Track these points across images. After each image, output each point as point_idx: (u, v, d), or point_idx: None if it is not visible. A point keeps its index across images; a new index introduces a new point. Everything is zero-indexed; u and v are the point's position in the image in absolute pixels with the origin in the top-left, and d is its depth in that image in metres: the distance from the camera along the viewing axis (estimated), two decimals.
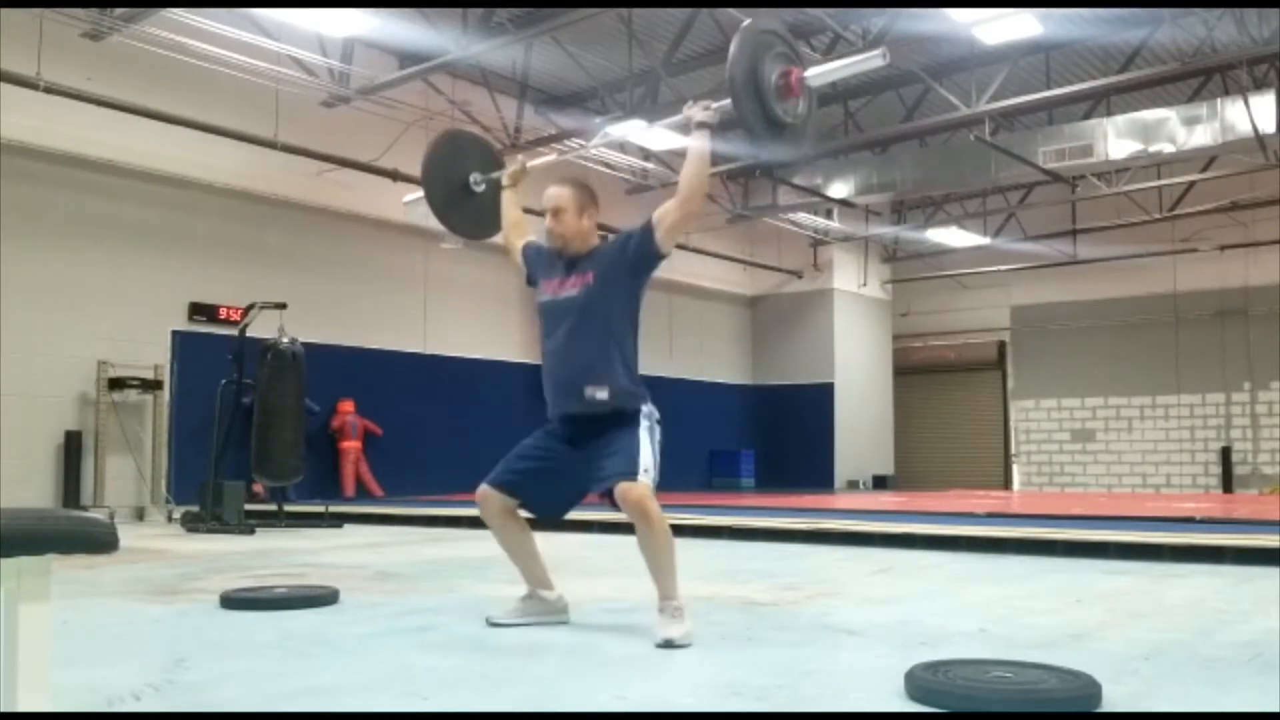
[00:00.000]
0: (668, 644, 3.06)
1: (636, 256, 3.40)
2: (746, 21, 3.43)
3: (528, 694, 2.54)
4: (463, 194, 4.11)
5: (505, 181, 3.97)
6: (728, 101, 3.33)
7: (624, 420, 3.32)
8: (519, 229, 3.86)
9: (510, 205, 3.94)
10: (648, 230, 3.38)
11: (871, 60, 3.38)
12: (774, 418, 18.57)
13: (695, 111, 3.40)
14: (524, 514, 3.55)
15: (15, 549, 1.50)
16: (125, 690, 2.51)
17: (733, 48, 3.31)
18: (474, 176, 4.10)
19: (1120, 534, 6.21)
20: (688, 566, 5.42)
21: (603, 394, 3.31)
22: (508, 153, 13.18)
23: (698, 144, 3.38)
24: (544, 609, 3.50)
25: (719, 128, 3.42)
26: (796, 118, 3.47)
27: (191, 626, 3.62)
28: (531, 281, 3.67)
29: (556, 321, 3.43)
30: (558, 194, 3.49)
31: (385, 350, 12.76)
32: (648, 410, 3.36)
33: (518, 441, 3.55)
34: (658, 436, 3.34)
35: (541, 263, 3.61)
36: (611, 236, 3.55)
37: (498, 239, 4.03)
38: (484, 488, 3.48)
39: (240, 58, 10.33)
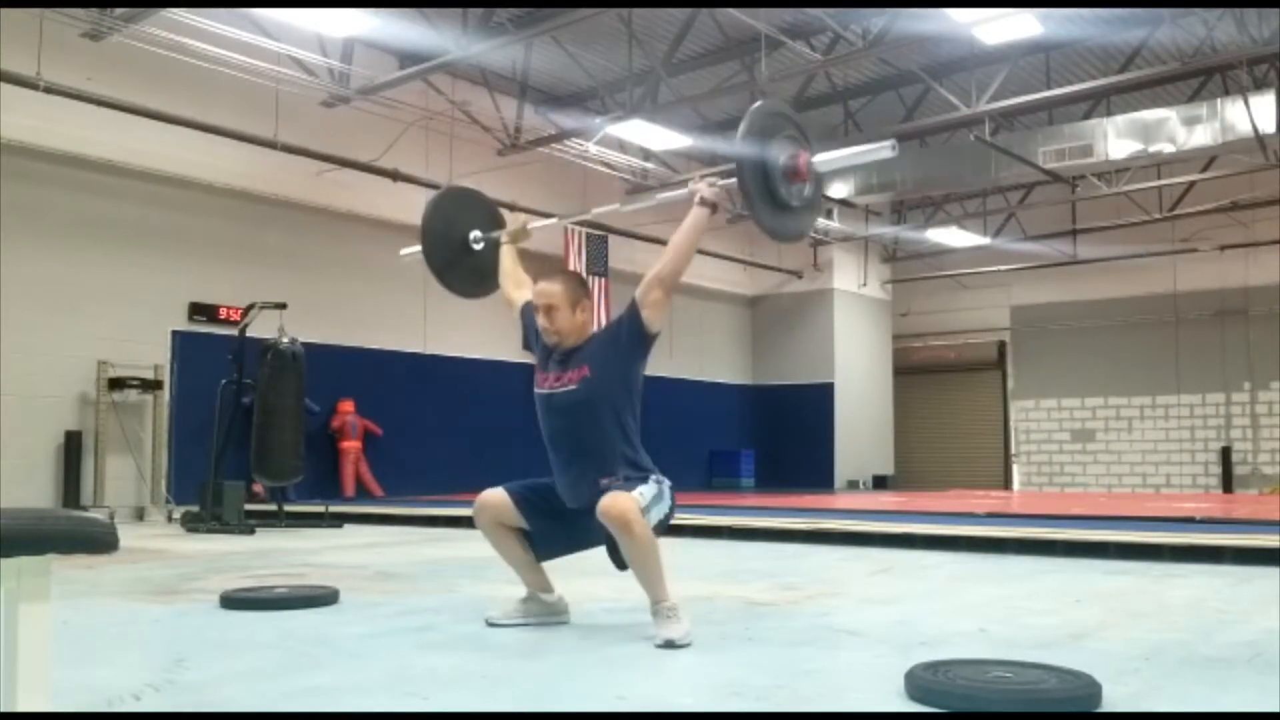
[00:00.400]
0: (669, 644, 3.05)
1: (630, 342, 3.40)
2: (756, 104, 3.45)
3: (528, 694, 2.54)
4: (462, 252, 4.07)
5: (505, 239, 3.95)
6: (734, 180, 3.33)
7: (636, 481, 3.30)
8: (515, 280, 3.84)
9: (509, 259, 3.91)
10: (635, 315, 3.37)
11: (881, 152, 3.38)
12: (774, 418, 18.57)
13: (701, 187, 3.41)
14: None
15: (15, 549, 1.50)
16: (125, 690, 2.51)
17: (741, 128, 3.30)
18: (474, 234, 4.06)
19: (1120, 534, 6.21)
20: (688, 566, 5.43)
21: (618, 481, 3.29)
22: (507, 153, 13.23)
23: (696, 216, 3.39)
24: (543, 610, 3.50)
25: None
26: (803, 201, 3.47)
27: (191, 626, 3.62)
28: (527, 346, 3.67)
29: (558, 416, 3.40)
30: (549, 291, 3.44)
31: (385, 350, 12.76)
32: (658, 477, 3.33)
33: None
34: (666, 498, 3.29)
35: (540, 339, 3.54)
36: (600, 328, 3.52)
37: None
38: (491, 492, 3.47)
39: (240, 58, 10.33)
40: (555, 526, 3.44)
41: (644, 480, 3.28)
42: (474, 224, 4.10)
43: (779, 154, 3.36)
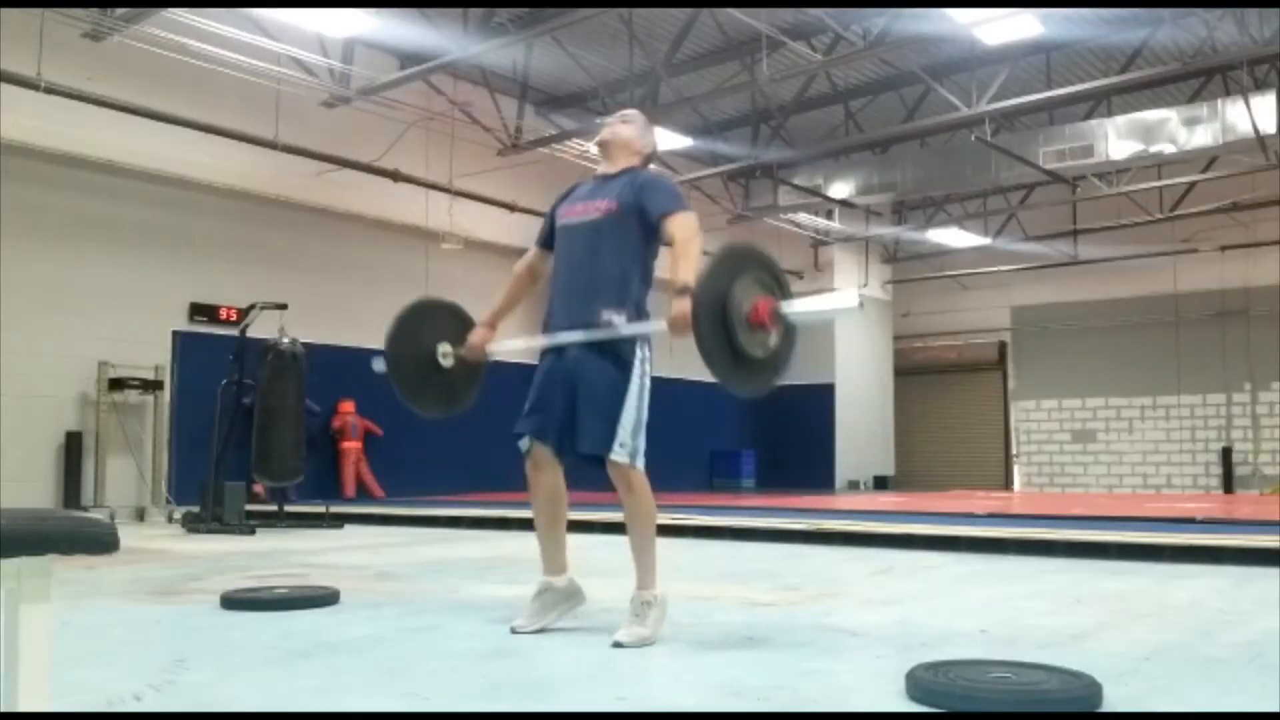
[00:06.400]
0: (617, 645, 3.04)
1: (650, 212, 3.33)
2: (727, 244, 3.22)
3: (528, 694, 2.54)
4: (431, 369, 3.76)
5: (466, 354, 3.71)
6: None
7: (619, 361, 3.27)
8: (530, 268, 3.71)
9: (516, 294, 3.76)
10: (660, 218, 3.31)
11: (848, 307, 3.27)
12: (774, 418, 18.55)
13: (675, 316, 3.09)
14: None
15: (16, 549, 1.50)
16: (126, 690, 2.51)
17: (705, 266, 3.04)
18: (442, 348, 3.75)
19: (1121, 534, 6.21)
20: (689, 566, 5.43)
21: (619, 318, 3.25)
22: (507, 153, 13.22)
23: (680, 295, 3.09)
24: (558, 598, 3.43)
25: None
26: (766, 351, 3.18)
27: (192, 627, 3.62)
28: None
29: (574, 242, 3.40)
30: (631, 112, 3.65)
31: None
32: (642, 356, 3.31)
33: (518, 441, 3.51)
34: (648, 385, 3.30)
35: (562, 203, 3.59)
36: (649, 172, 3.51)
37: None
38: (533, 452, 3.37)
39: (240, 58, 10.33)
40: (563, 422, 3.33)
41: (628, 372, 3.25)
42: (442, 336, 3.76)
43: (743, 298, 3.05)
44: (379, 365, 3.74)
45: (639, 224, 3.36)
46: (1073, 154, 13.00)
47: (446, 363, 3.75)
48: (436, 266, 12.99)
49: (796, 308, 3.18)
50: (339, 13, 9.52)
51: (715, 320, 3.01)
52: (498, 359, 3.74)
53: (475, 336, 3.68)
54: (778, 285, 3.24)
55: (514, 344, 3.82)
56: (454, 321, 3.83)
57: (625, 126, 3.55)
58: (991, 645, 3.18)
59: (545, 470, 3.40)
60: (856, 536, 6.97)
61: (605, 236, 3.34)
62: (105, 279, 10.27)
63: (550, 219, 3.62)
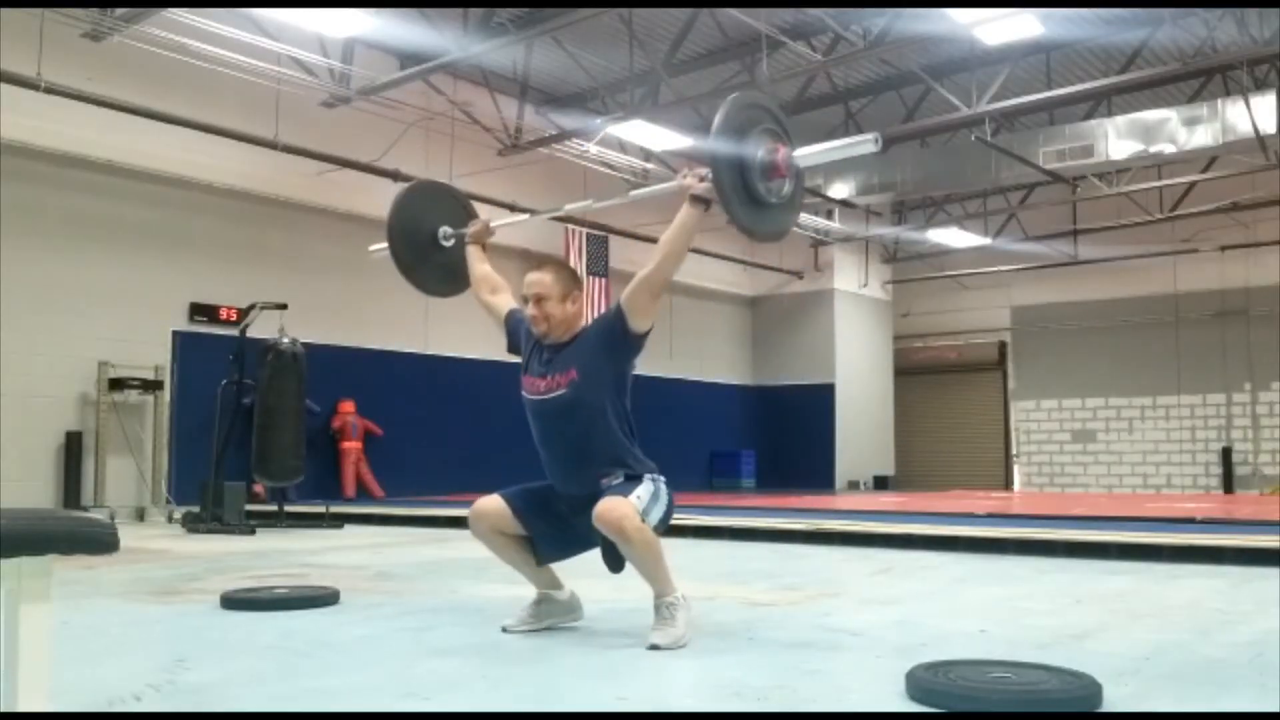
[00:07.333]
0: (654, 648, 3.02)
1: (620, 344, 3.30)
2: (733, 95, 3.28)
3: (527, 694, 2.54)
4: (430, 248, 3.91)
5: (468, 240, 3.84)
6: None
7: (630, 480, 3.27)
8: (490, 285, 3.74)
9: (476, 260, 3.81)
10: (621, 318, 3.27)
11: (863, 146, 3.21)
12: (775, 418, 18.57)
13: (691, 182, 3.24)
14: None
15: (16, 549, 1.50)
16: (125, 690, 2.51)
17: (716, 120, 3.12)
18: (443, 230, 3.90)
19: (1121, 534, 6.21)
20: (688, 567, 5.43)
21: (618, 479, 3.24)
22: (507, 153, 13.23)
23: (688, 216, 3.25)
24: (557, 610, 3.44)
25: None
26: (781, 198, 3.30)
27: (192, 627, 3.62)
28: (512, 349, 3.56)
29: (549, 420, 3.32)
30: (539, 280, 3.32)
31: (385, 350, 12.76)
32: (653, 475, 3.29)
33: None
34: (664, 497, 3.25)
35: (526, 341, 3.46)
36: (590, 322, 3.41)
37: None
38: (486, 500, 3.39)
39: (241, 58, 10.33)
40: (557, 528, 3.36)
41: (639, 480, 3.23)
42: (444, 219, 3.94)
43: (757, 148, 3.20)
44: (377, 248, 3.97)
45: (607, 374, 3.29)
46: (1073, 154, 13.00)
47: (448, 243, 3.94)
48: None
49: (814, 151, 3.32)
50: (339, 13, 9.52)
51: (734, 172, 3.18)
52: (502, 227, 3.92)
53: (477, 221, 3.89)
54: (785, 133, 3.33)
55: (516, 218, 4.07)
56: (454, 205, 4.04)
57: (549, 303, 3.31)
58: (991, 645, 3.18)
59: (485, 519, 3.39)
60: (856, 536, 6.98)
61: (575, 409, 3.26)
62: (105, 279, 10.27)
63: (515, 331, 3.54)
